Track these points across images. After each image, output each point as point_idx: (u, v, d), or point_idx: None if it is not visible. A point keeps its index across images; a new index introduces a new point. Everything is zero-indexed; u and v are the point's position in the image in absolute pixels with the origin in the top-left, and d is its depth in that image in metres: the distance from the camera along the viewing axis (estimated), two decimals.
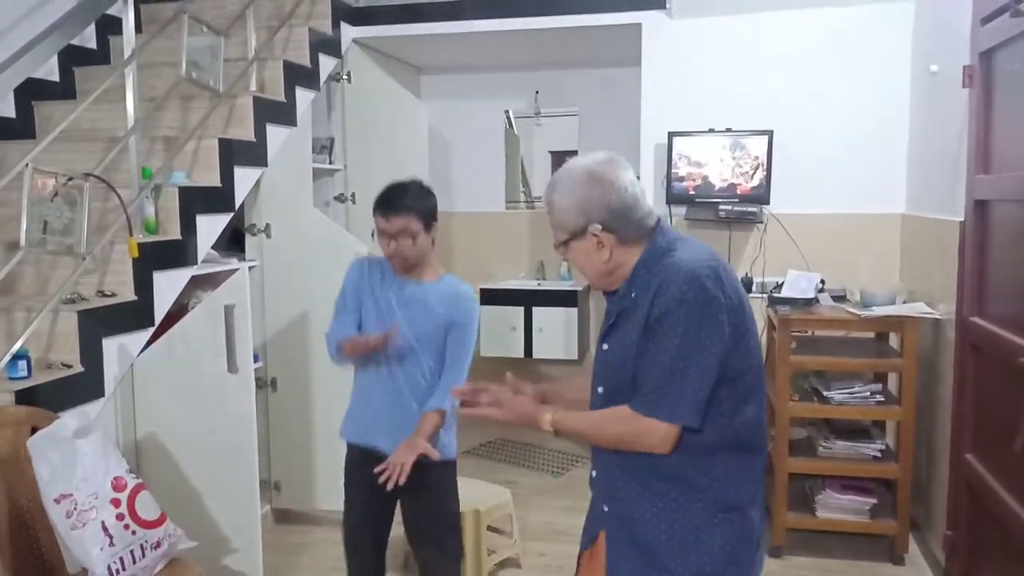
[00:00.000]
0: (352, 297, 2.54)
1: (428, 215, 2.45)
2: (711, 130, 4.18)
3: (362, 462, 2.52)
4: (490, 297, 5.40)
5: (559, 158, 5.93)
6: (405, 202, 2.41)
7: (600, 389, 1.76)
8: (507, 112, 5.71)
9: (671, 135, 4.20)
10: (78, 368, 2.67)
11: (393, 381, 2.49)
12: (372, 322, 2.50)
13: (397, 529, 2.65)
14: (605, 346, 1.75)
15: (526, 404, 1.79)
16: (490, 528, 3.47)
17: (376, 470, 2.34)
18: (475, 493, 3.42)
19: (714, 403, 1.64)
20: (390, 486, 2.31)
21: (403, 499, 2.58)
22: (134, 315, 2.91)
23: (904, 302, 3.60)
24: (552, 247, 1.83)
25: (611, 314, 1.75)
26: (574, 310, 5.26)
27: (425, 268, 2.53)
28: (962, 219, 3.08)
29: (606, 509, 1.79)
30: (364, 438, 2.55)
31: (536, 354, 5.37)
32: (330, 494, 3.73)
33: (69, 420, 2.29)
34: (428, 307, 2.49)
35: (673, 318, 1.59)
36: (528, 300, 5.34)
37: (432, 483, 2.53)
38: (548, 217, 1.77)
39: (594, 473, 1.83)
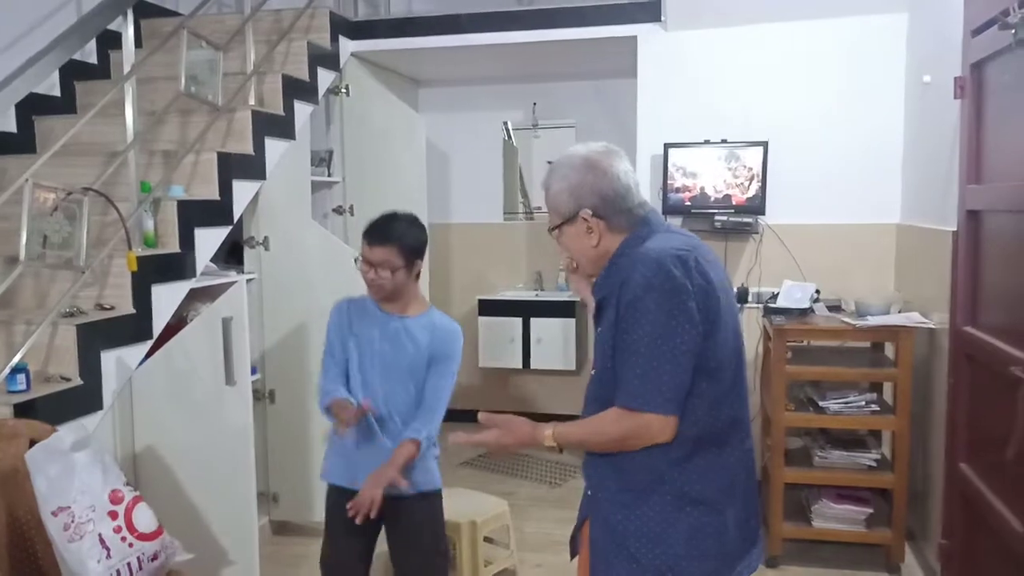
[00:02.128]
0: (337, 342, 2.56)
1: (412, 251, 2.47)
2: (706, 141, 4.20)
3: (341, 500, 2.50)
4: (488, 308, 5.43)
5: None
6: (391, 234, 2.43)
7: (593, 372, 1.81)
8: (505, 123, 5.74)
9: (667, 146, 4.23)
10: (77, 381, 2.70)
11: (367, 421, 2.48)
12: (357, 362, 2.52)
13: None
14: (599, 328, 1.79)
15: (524, 425, 1.80)
16: (487, 539, 3.47)
17: (348, 506, 2.35)
18: (472, 504, 3.44)
19: (694, 394, 1.66)
20: (359, 520, 2.32)
21: (389, 533, 2.59)
22: (133, 328, 2.93)
23: (899, 312, 3.62)
24: (549, 258, 1.86)
25: (596, 298, 1.80)
26: (572, 320, 5.28)
27: (410, 302, 2.55)
28: (955, 229, 3.10)
29: (590, 494, 1.83)
30: (343, 477, 2.55)
31: (534, 365, 5.38)
32: None
33: (67, 433, 2.30)
34: (412, 341, 2.51)
35: (641, 305, 1.63)
36: (526, 311, 5.35)
37: (418, 516, 2.54)
38: (545, 200, 1.84)
39: (585, 458, 1.86)
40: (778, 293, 3.88)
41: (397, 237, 2.43)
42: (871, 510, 3.53)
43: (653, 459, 1.69)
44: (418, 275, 2.53)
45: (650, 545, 1.70)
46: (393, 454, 2.42)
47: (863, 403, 3.50)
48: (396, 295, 2.50)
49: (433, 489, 2.57)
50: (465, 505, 3.38)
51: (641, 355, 1.62)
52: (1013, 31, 2.46)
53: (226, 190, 3.44)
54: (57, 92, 3.95)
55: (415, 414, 2.50)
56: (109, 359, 2.83)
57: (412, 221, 2.51)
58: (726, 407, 1.71)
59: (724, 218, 4.16)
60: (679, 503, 1.69)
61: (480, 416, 1.81)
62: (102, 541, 2.19)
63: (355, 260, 2.53)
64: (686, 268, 1.64)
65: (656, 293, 1.62)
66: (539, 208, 5.75)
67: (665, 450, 1.67)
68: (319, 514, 3.81)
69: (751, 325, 4.21)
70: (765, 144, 4.13)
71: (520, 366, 5.41)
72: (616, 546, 1.74)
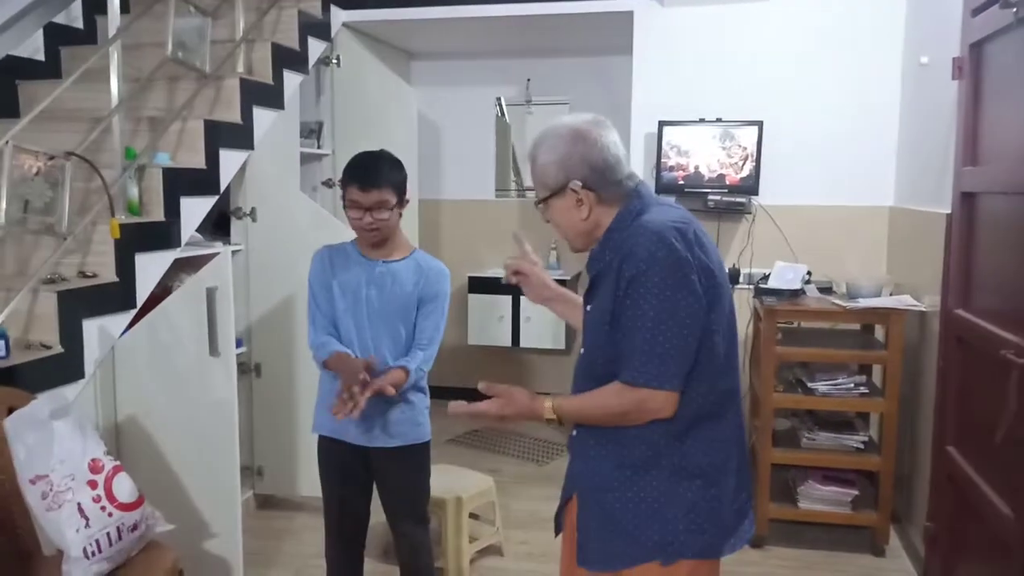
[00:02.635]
0: (321, 293, 2.53)
1: (401, 189, 2.45)
2: (701, 120, 4.16)
3: (332, 451, 2.54)
4: (478, 285, 5.39)
5: None
6: (382, 175, 2.39)
7: (582, 350, 1.79)
8: (499, 99, 5.68)
9: (661, 124, 4.19)
10: (57, 349, 2.65)
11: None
12: (344, 310, 2.49)
13: (378, 517, 2.66)
14: (588, 307, 1.77)
15: (524, 396, 1.77)
16: (472, 516, 3.46)
17: (333, 410, 2.33)
18: (457, 480, 3.42)
19: (694, 368, 1.64)
20: (340, 417, 2.30)
21: (379, 481, 2.60)
22: (115, 297, 2.88)
23: (891, 294, 3.60)
24: (541, 236, 1.82)
25: (589, 275, 1.77)
26: None
27: (395, 246, 2.52)
28: (949, 211, 3.08)
29: (577, 471, 1.81)
30: (333, 428, 2.54)
31: (524, 343, 5.36)
32: (313, 480, 3.65)
33: (46, 401, 2.27)
34: (399, 284, 2.48)
35: (646, 280, 1.59)
36: (516, 289, 5.25)
37: (407, 466, 2.56)
38: (530, 174, 1.79)
39: (574, 432, 1.84)
40: (769, 274, 3.86)
41: (389, 177, 2.41)
42: (857, 492, 3.53)
43: (651, 434, 1.66)
44: (401, 215, 2.50)
45: (648, 521, 1.68)
46: (384, 376, 2.40)
47: (852, 385, 3.49)
48: (388, 237, 2.48)
49: (422, 441, 2.58)
50: (450, 481, 3.36)
51: (647, 330, 1.59)
52: (1015, 9, 2.43)
53: (213, 159, 3.38)
54: (42, 57, 3.86)
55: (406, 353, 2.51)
56: (91, 327, 2.78)
57: (394, 159, 2.48)
58: (721, 380, 1.69)
59: (717, 198, 4.12)
60: (678, 477, 1.67)
61: (480, 385, 1.78)
62: (81, 510, 2.16)
63: (344, 206, 2.47)
64: (687, 241, 1.62)
65: (660, 267, 1.59)
66: (532, 188, 5.70)
67: (663, 424, 1.66)
68: (304, 488, 3.85)
69: (742, 306, 4.18)
70: (760, 124, 4.09)
71: (509, 344, 5.38)
72: (611, 524, 1.71)
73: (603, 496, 1.73)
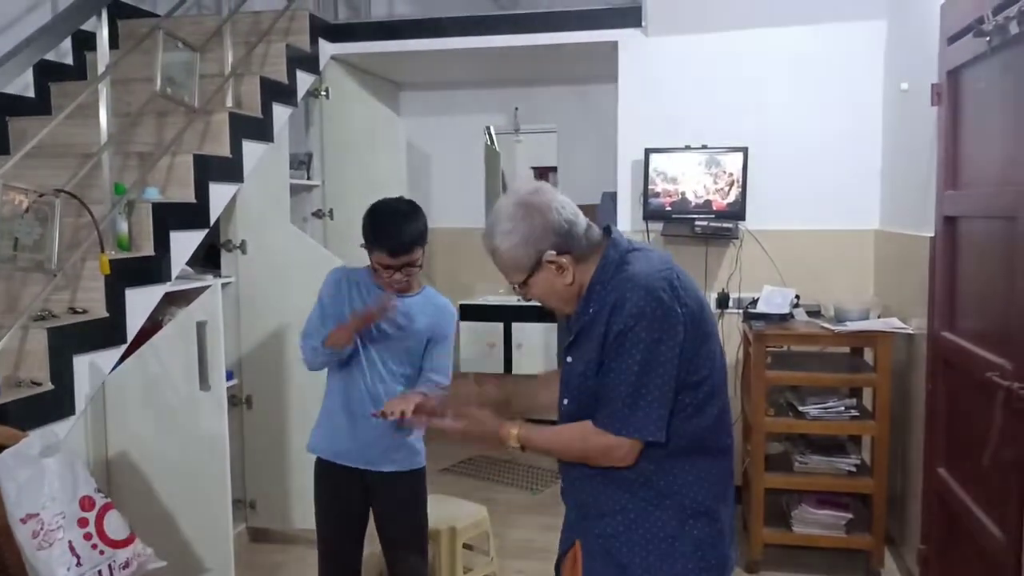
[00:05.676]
0: (331, 308, 2.54)
1: (425, 237, 2.45)
2: (687, 147, 4.21)
3: (330, 474, 2.56)
4: (469, 313, 5.41)
5: (541, 174, 5.97)
6: (412, 237, 2.38)
7: (566, 401, 1.77)
8: (488, 128, 5.72)
9: (647, 152, 4.23)
10: (48, 386, 2.65)
11: (360, 396, 2.52)
12: (356, 342, 2.51)
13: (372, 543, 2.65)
14: (569, 359, 1.76)
15: (490, 419, 1.78)
16: (466, 546, 3.44)
17: (372, 413, 2.35)
18: (451, 510, 3.40)
19: (677, 410, 1.65)
20: (390, 418, 2.29)
21: (375, 507, 2.61)
22: (105, 332, 2.88)
23: (878, 317, 3.63)
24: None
25: (572, 331, 1.76)
26: (553, 325, 5.27)
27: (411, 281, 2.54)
28: (932, 235, 3.12)
29: (579, 519, 1.80)
30: (332, 451, 2.57)
31: (516, 370, 5.37)
32: (306, 513, 3.66)
33: (36, 439, 2.26)
34: (411, 321, 2.51)
35: (633, 335, 1.60)
36: (507, 316, 5.35)
37: (402, 491, 2.57)
38: (496, 264, 1.75)
39: (563, 485, 1.84)
40: (758, 298, 3.89)
41: (415, 237, 2.39)
42: (851, 515, 3.53)
43: (649, 476, 1.68)
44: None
45: (658, 564, 1.68)
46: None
47: (842, 408, 3.51)
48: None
49: (418, 467, 2.60)
50: (444, 511, 3.34)
51: (630, 384, 1.61)
52: (988, 38, 2.48)
53: (202, 193, 3.40)
54: (32, 93, 3.89)
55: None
56: (81, 363, 2.78)
57: (413, 210, 2.45)
58: (710, 409, 1.70)
59: (704, 223, 4.15)
60: (683, 516, 1.68)
61: (450, 413, 1.81)
62: (72, 548, 2.15)
63: (371, 265, 2.45)
64: (673, 290, 1.63)
65: (647, 321, 1.60)
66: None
67: (660, 465, 1.67)
68: (297, 521, 3.82)
69: (731, 331, 4.21)
70: (745, 150, 4.13)
71: (501, 371, 5.39)
72: (620, 570, 1.70)
73: (610, 545, 1.72)
